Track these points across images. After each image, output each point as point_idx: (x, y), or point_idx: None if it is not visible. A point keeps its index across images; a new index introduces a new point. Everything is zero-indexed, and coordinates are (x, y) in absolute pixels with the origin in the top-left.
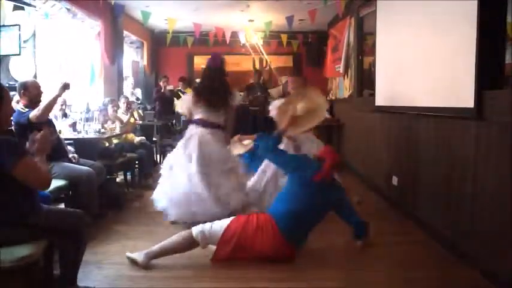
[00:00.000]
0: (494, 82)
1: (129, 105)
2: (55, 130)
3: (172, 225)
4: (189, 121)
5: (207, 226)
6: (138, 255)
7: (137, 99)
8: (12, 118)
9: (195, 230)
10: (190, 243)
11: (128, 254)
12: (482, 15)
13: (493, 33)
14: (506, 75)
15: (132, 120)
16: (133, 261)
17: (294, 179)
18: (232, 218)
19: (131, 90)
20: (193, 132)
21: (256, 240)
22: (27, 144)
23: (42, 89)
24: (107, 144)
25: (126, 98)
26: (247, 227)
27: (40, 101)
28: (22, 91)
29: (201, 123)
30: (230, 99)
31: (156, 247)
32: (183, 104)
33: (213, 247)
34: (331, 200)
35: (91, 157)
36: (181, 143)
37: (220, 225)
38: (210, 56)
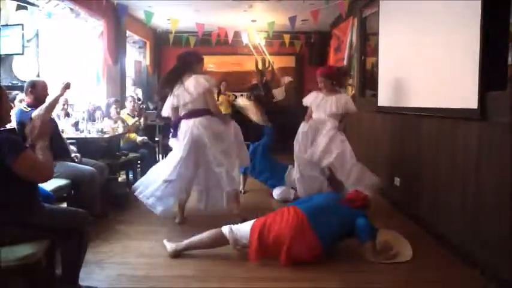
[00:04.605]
0: (498, 83)
1: (139, 112)
2: (58, 129)
3: (173, 225)
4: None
5: (235, 226)
6: (170, 246)
7: (138, 99)
8: (15, 117)
9: (225, 229)
10: (219, 239)
11: (165, 241)
12: (485, 16)
13: (497, 34)
14: (510, 76)
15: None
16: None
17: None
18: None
19: (134, 93)
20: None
21: (286, 236)
22: (27, 129)
23: (48, 91)
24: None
25: (134, 98)
26: (277, 223)
27: (44, 101)
28: (30, 89)
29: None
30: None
31: (183, 242)
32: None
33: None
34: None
35: (93, 156)
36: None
37: (248, 224)
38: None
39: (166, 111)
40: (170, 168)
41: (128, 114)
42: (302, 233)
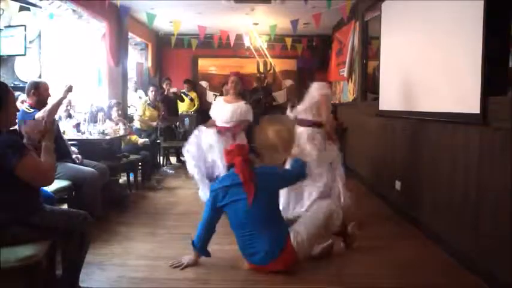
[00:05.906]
0: (499, 88)
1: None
2: (59, 130)
3: (173, 227)
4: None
5: None
6: None
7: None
8: (17, 118)
9: None
10: None
11: None
12: (487, 21)
13: (499, 39)
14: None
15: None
16: None
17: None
18: None
19: (139, 96)
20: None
21: None
22: (23, 129)
23: (50, 91)
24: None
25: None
26: None
27: (46, 103)
28: (32, 91)
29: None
30: None
31: None
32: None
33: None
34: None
35: (95, 158)
36: None
37: None
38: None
39: None
40: None
41: (149, 104)
42: None
